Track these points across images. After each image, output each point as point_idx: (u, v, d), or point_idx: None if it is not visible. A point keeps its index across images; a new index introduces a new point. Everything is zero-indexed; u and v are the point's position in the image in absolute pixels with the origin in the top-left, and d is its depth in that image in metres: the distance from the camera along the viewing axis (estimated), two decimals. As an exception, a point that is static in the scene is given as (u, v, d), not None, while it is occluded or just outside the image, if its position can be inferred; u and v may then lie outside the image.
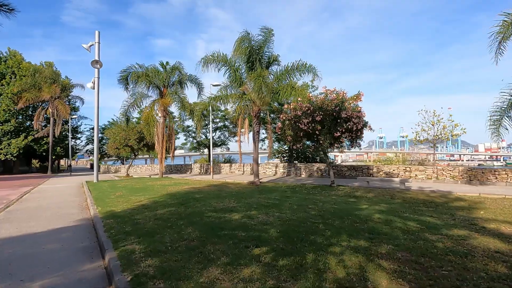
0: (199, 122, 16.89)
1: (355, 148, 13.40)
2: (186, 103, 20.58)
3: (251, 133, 26.75)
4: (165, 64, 20.82)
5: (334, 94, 12.07)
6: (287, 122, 12.42)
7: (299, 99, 12.54)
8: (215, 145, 31.10)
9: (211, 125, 20.47)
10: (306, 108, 12.02)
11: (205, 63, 16.09)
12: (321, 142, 12.06)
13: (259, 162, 18.55)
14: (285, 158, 28.75)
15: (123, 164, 45.86)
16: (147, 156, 40.11)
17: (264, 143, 28.10)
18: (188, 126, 30.90)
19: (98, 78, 18.73)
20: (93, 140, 46.89)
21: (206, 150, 32.29)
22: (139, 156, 48.63)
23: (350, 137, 12.02)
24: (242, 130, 16.01)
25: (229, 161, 33.80)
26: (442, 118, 17.43)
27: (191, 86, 21.91)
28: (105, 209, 8.46)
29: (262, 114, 16.32)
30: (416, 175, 16.28)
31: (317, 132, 11.96)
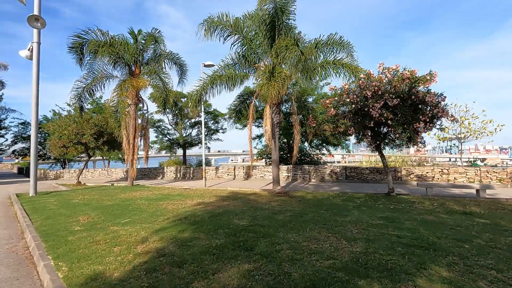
0: (195, 109, 12.31)
1: (414, 146, 10.30)
2: (169, 89, 15.54)
3: (260, 127, 22.56)
4: (136, 33, 15.46)
5: (407, 72, 8.78)
6: (350, 106, 8.74)
7: (362, 75, 8.99)
8: (191, 144, 26.01)
9: (203, 117, 15.75)
10: (376, 88, 8.53)
11: (209, 28, 11.66)
12: (397, 135, 8.67)
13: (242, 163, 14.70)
14: (269, 159, 25.26)
15: (64, 168, 37.34)
16: (100, 158, 32.82)
17: (259, 142, 24.05)
18: (159, 121, 25.25)
19: (39, 43, 12.84)
20: (22, 137, 37.37)
21: (180, 151, 26.97)
22: (81, 158, 40.41)
23: (430, 129, 8.86)
24: (257, 122, 11.88)
25: (208, 163, 28.96)
26: (473, 114, 15.62)
27: (170, 67, 16.92)
28: (79, 268, 3.82)
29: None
30: (455, 178, 14.03)
31: (389, 122, 8.55)
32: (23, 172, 42.15)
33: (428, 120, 8.43)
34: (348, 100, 8.72)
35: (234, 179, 19.24)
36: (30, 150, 12.56)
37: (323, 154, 21.81)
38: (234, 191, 12.19)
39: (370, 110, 8.38)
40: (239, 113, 15.04)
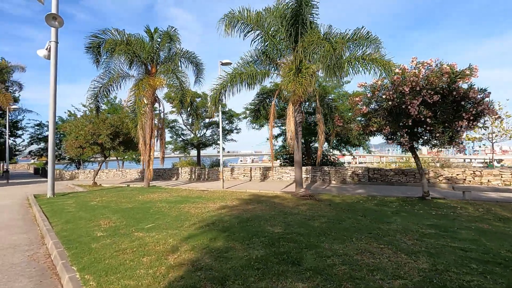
0: (214, 108, 11.89)
1: (452, 147, 9.54)
2: (186, 89, 15.17)
3: (276, 127, 22.05)
4: (152, 31, 15.15)
5: (446, 66, 8.09)
6: (386, 103, 8.09)
7: (397, 70, 8.35)
8: (205, 145, 25.71)
9: (220, 117, 15.29)
10: (414, 84, 7.89)
11: (229, 24, 11.25)
12: (438, 134, 7.99)
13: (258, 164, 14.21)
14: (285, 160, 24.79)
15: (79, 168, 37.68)
16: (114, 158, 32.88)
17: (277, 141, 23.49)
18: (174, 121, 25.04)
19: (57, 42, 12.69)
20: (38, 138, 37.90)
21: (193, 151, 26.71)
22: (95, 158, 40.60)
23: (473, 128, 8.16)
24: (280, 121, 11.36)
25: (218, 164, 28.69)
26: (507, 112, 14.67)
27: (186, 66, 16.57)
28: (108, 283, 3.40)
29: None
30: (488, 180, 13.16)
31: (427, 120, 7.89)
32: (39, 172, 42.83)
33: (472, 118, 7.73)
34: (384, 96, 8.08)
35: (250, 180, 18.76)
36: (48, 151, 12.40)
37: (344, 154, 21.10)
38: (255, 194, 11.70)
39: (408, 107, 7.74)
40: (258, 112, 14.58)
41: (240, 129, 25.80)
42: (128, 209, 8.38)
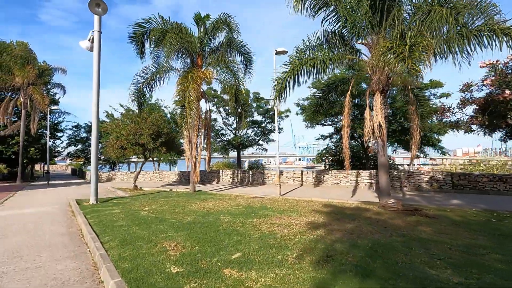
0: (278, 99, 10.06)
1: None
2: (239, 82, 13.50)
3: (326, 125, 20.11)
4: (203, 17, 13.58)
5: None
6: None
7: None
8: (244, 146, 24.05)
9: (276, 113, 13.36)
10: None
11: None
12: None
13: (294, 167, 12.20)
14: (330, 162, 22.59)
15: (113, 169, 37.69)
16: (150, 159, 32.20)
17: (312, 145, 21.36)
18: (213, 120, 23.67)
19: (100, 32, 11.52)
20: (75, 139, 38.40)
21: (232, 153, 25.21)
22: (130, 160, 40.43)
23: None
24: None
25: (256, 166, 26.98)
26: None
27: (233, 58, 14.90)
28: None
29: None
30: None
31: None
32: (76, 173, 43.81)
33: None
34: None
35: (302, 185, 16.72)
36: (91, 153, 11.22)
37: (418, 156, 18.47)
38: (328, 204, 9.64)
39: None
40: (320, 107, 12.58)
41: (282, 128, 23.89)
42: (190, 225, 6.68)
